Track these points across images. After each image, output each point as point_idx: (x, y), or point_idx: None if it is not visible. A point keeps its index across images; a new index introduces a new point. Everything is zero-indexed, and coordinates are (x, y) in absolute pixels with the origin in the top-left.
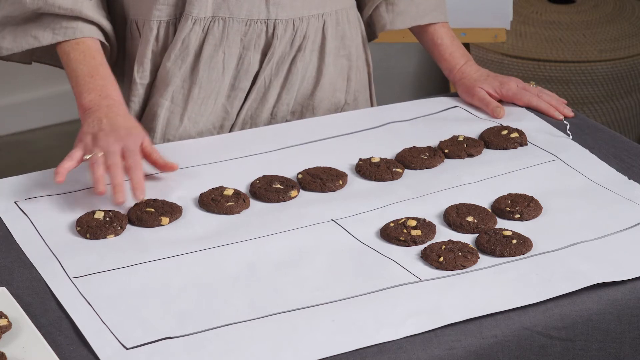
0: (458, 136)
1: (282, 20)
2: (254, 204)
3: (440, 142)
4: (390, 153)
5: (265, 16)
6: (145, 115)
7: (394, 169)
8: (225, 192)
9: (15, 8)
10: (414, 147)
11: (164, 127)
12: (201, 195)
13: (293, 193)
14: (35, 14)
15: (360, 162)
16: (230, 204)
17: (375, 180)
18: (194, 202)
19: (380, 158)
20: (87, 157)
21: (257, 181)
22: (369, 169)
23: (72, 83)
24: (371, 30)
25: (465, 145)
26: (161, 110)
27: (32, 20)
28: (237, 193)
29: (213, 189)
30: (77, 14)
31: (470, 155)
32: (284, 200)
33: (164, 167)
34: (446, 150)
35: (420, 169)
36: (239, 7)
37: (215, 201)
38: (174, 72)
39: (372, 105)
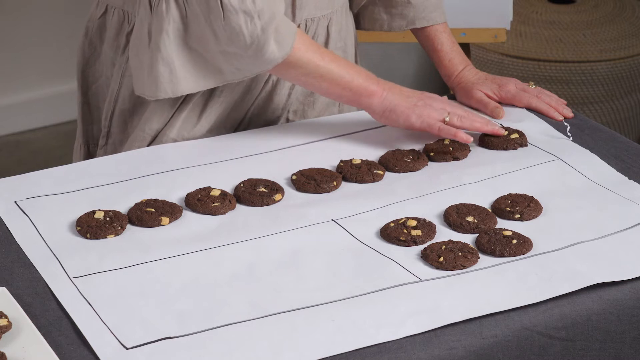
0: (444, 139)
1: (302, 22)
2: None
3: (426, 144)
4: (375, 155)
5: (291, 19)
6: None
7: (375, 171)
8: (212, 193)
9: (264, 15)
10: (397, 149)
11: (182, 124)
12: (187, 195)
13: (277, 197)
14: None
15: (341, 164)
16: (215, 204)
17: (357, 182)
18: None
19: (362, 160)
20: (447, 118)
21: (242, 184)
22: (350, 171)
23: (341, 83)
24: (356, 20)
25: (451, 148)
26: (184, 107)
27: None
28: (223, 194)
29: (200, 189)
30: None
31: (456, 159)
32: (268, 204)
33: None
34: (432, 154)
35: (404, 172)
36: None
37: (201, 201)
38: None
39: None
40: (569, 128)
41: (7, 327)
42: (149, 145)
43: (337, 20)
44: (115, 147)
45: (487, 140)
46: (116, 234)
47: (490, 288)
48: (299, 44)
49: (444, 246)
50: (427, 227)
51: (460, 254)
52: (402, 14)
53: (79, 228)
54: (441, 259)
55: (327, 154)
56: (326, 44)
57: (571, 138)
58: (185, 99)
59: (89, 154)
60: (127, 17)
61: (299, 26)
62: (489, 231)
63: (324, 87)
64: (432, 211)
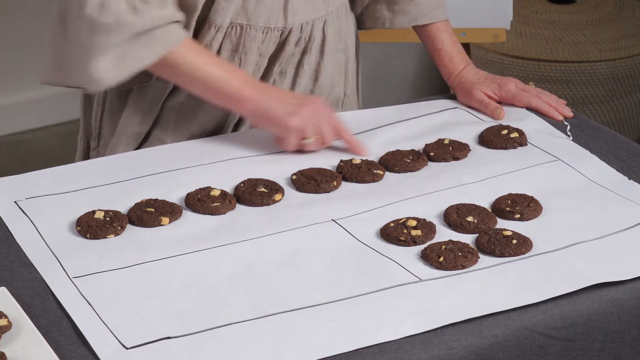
0: (444, 139)
1: (295, 26)
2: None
3: (426, 145)
4: (375, 155)
5: (283, 24)
6: (159, 113)
7: (375, 171)
8: (212, 193)
9: (116, 34)
10: (397, 149)
11: (176, 125)
12: (187, 195)
13: (277, 197)
14: (133, 34)
15: (341, 164)
16: (215, 204)
17: (357, 182)
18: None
19: (362, 160)
20: (307, 141)
21: (242, 184)
22: (350, 171)
23: (214, 86)
24: (359, 20)
25: (451, 148)
26: (177, 108)
27: (129, 42)
28: (223, 194)
29: (200, 189)
30: (173, 19)
31: (456, 159)
32: (268, 204)
33: (353, 144)
34: (432, 154)
35: (404, 172)
36: (257, 15)
37: (201, 201)
38: None
39: (358, 97)
40: (569, 128)
41: (7, 327)
42: (136, 148)
43: (333, 21)
44: (107, 149)
45: (487, 140)
46: (116, 234)
47: (490, 288)
48: (180, 46)
49: (444, 246)
50: (427, 227)
51: (460, 254)
52: (404, 11)
53: (79, 228)
54: (441, 259)
55: (327, 154)
56: (323, 45)
57: (571, 138)
58: (168, 98)
59: (89, 148)
60: None
61: (290, 31)
62: (489, 231)
63: (199, 90)
64: (432, 211)
